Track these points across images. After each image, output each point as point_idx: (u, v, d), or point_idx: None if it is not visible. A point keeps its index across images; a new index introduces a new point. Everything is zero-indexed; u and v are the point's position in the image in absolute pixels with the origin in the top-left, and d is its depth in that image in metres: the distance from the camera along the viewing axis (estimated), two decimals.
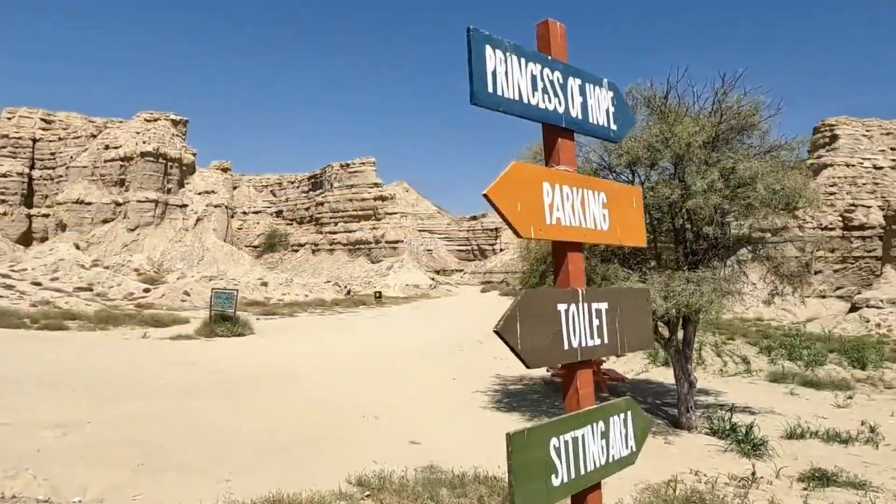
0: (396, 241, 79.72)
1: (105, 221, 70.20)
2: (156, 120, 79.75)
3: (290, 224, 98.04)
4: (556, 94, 2.10)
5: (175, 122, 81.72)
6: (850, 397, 14.22)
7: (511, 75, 1.90)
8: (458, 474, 7.33)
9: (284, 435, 9.22)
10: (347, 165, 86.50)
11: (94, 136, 78.63)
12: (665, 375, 16.84)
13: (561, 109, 2.11)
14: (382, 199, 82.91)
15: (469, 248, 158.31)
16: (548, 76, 2.07)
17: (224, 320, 23.31)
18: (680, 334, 11.30)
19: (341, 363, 17.10)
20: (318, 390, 13.03)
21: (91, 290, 38.42)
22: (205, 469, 7.24)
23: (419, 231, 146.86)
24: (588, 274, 10.00)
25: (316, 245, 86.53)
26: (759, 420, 10.85)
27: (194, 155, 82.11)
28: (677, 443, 9.82)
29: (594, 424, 2.19)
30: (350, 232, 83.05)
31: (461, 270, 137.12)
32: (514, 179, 1.83)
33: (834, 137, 57.56)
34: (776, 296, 11.21)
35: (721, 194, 9.46)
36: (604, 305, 2.20)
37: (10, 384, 11.51)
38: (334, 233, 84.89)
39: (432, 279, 79.33)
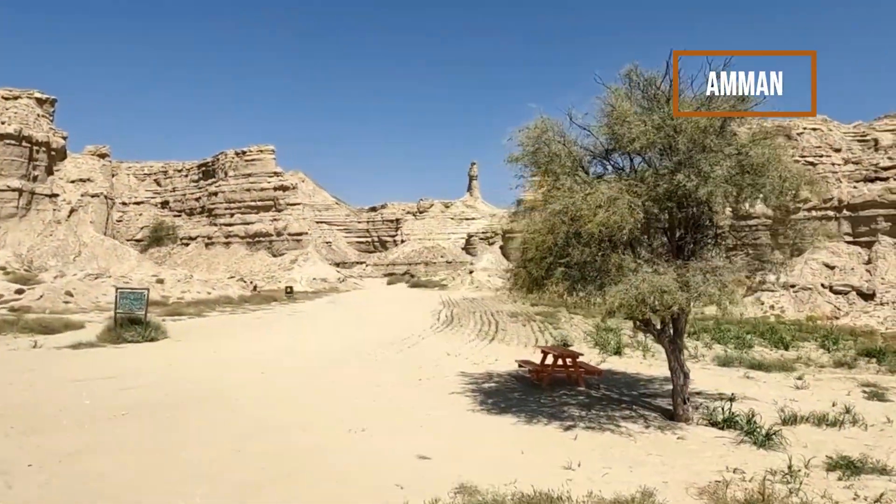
0: (300, 234, 76.05)
1: None
2: (16, 98, 70.17)
3: (179, 216, 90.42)
4: None
5: (41, 101, 72.42)
6: (800, 378, 14.93)
7: None
8: (515, 495, 6.45)
9: (273, 462, 7.82)
10: (244, 153, 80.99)
11: None
12: (625, 365, 16.90)
13: None
14: (284, 188, 78.58)
15: (369, 239, 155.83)
16: None
17: (132, 324, 20.55)
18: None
19: (284, 369, 15.49)
20: (277, 403, 11.52)
21: None
22: None
23: (317, 223, 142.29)
24: (600, 263, 9.45)
25: (210, 238, 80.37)
26: (741, 407, 10.88)
27: (65, 138, 73.31)
28: (689, 437, 9.54)
29: None
30: (248, 224, 77.93)
31: (362, 263, 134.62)
32: None
33: None
34: (761, 284, 11.31)
35: (734, 181, 9.25)
36: None
37: None
38: (230, 225, 79.26)
39: (339, 272, 76.78)
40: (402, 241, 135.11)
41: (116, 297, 21.04)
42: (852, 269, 38.07)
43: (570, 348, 20.22)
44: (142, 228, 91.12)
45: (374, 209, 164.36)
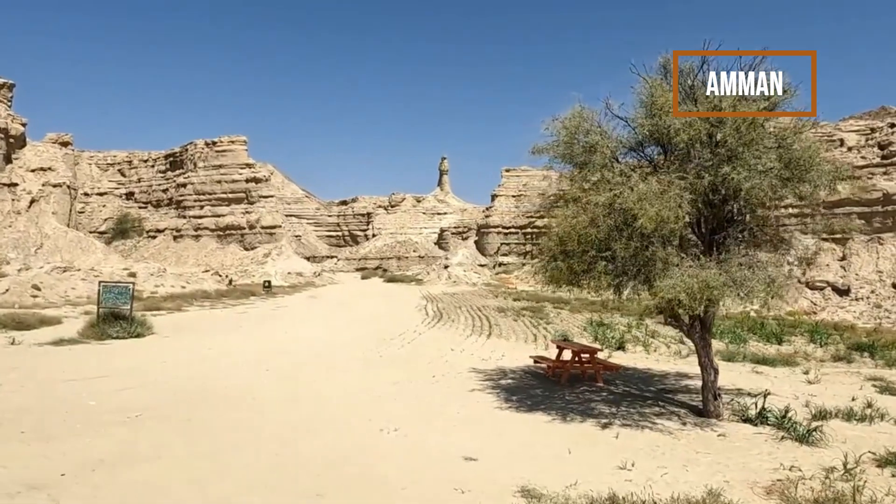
0: (273, 227, 74.42)
1: None
2: None
3: (145, 207, 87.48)
4: None
5: None
6: (806, 372, 15.07)
7: None
8: (594, 500, 6.16)
9: (320, 467, 7.37)
10: (214, 143, 78.69)
11: None
12: (632, 360, 16.81)
13: None
14: (256, 180, 76.73)
15: (339, 233, 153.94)
16: None
17: (116, 319, 19.56)
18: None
19: (287, 366, 14.88)
20: (294, 402, 11.00)
21: None
22: None
23: (286, 216, 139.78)
24: (648, 257, 9.21)
25: (178, 231, 78.03)
26: (763, 402, 10.80)
27: (24, 125, 70.08)
28: (729, 434, 9.41)
29: None
30: (219, 216, 75.90)
31: (333, 257, 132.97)
32: None
33: None
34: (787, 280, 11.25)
35: (779, 174, 9.13)
36: None
37: None
38: (200, 217, 77.02)
39: (313, 266, 75.47)
40: (374, 236, 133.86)
41: (100, 290, 19.99)
42: (827, 265, 39.21)
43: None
44: (105, 220, 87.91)
45: (344, 203, 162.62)
